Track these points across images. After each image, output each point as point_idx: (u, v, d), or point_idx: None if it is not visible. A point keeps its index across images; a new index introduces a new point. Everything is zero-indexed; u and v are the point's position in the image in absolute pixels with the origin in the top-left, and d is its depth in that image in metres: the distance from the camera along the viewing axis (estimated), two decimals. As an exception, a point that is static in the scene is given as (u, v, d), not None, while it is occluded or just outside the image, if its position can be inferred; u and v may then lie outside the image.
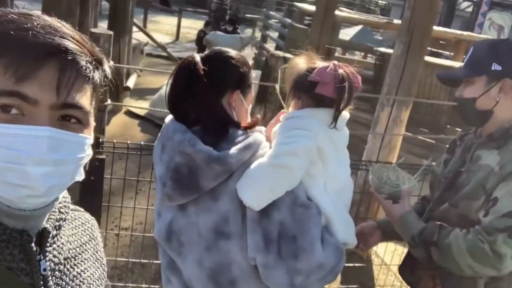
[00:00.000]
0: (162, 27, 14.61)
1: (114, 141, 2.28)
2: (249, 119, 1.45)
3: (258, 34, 12.77)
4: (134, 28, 7.87)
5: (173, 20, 14.52)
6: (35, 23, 0.69)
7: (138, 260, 2.78)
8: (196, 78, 1.33)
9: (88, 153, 0.76)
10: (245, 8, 19.74)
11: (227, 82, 1.38)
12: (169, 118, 1.42)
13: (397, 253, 3.30)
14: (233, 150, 1.27)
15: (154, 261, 2.71)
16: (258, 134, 1.35)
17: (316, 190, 1.37)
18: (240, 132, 1.32)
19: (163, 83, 7.33)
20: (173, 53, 10.05)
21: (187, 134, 1.30)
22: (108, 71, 0.79)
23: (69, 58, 0.70)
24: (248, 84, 1.43)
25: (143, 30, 9.93)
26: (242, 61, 1.42)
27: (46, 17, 0.72)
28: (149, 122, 6.05)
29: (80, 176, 0.77)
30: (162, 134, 1.40)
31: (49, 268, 0.77)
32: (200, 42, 10.83)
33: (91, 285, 0.87)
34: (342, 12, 7.33)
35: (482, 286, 1.55)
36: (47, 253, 0.78)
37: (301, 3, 9.83)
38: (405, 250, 1.89)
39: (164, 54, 10.10)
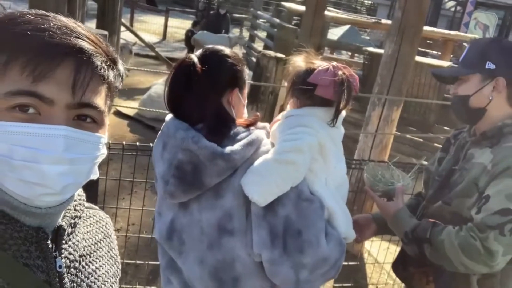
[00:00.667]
0: (149, 27, 14.52)
1: (109, 141, 2.27)
2: (246, 115, 1.48)
3: (246, 34, 12.78)
4: (122, 28, 7.81)
5: (160, 19, 14.44)
6: (52, 24, 0.70)
7: (132, 261, 2.76)
8: (195, 78, 1.34)
9: (103, 151, 0.78)
10: (232, 8, 19.76)
11: (226, 81, 1.39)
12: (169, 116, 1.43)
13: (389, 252, 3.34)
14: (237, 146, 1.29)
15: (149, 262, 2.70)
16: (259, 131, 1.37)
17: (318, 185, 1.39)
18: (241, 129, 1.34)
19: (152, 83, 7.30)
20: (161, 53, 10.00)
21: (190, 131, 1.31)
22: (122, 70, 0.80)
23: (84, 58, 0.71)
24: (244, 81, 1.45)
25: (131, 30, 9.84)
26: (238, 59, 1.44)
27: (62, 18, 0.73)
28: (139, 123, 6.01)
29: (95, 175, 0.78)
30: (162, 132, 1.40)
31: (64, 265, 0.78)
32: (188, 41, 10.82)
33: (106, 282, 0.88)
34: (330, 12, 7.37)
35: (475, 282, 1.58)
36: (63, 250, 0.79)
37: (289, 3, 9.84)
38: (398, 249, 1.91)
39: (152, 53, 10.04)
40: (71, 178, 0.72)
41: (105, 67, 0.74)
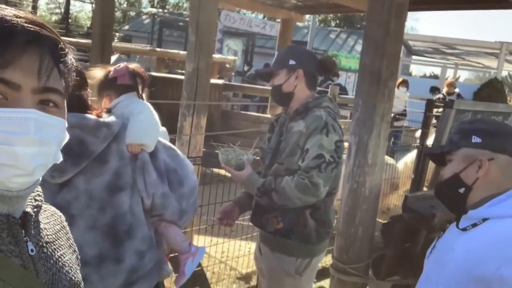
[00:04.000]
0: None
1: None
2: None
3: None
4: None
5: None
6: (10, 13, 0.72)
7: None
8: None
9: (67, 135, 0.81)
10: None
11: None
12: None
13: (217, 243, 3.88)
14: (111, 118, 1.67)
15: None
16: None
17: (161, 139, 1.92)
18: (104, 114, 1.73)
19: None
20: None
21: (73, 114, 1.52)
22: (74, 60, 0.82)
23: (47, 44, 0.74)
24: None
25: None
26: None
27: (13, 8, 0.75)
28: None
29: (60, 158, 0.81)
30: None
31: (35, 249, 0.79)
32: None
33: (71, 269, 0.90)
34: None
35: (308, 215, 2.23)
36: (32, 236, 0.80)
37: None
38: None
39: None
40: (41, 159, 0.74)
41: (64, 53, 0.77)
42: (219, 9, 12.43)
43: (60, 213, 0.99)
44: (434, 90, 11.03)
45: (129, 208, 1.63)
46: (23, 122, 0.70)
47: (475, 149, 1.41)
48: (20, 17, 0.72)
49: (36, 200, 0.86)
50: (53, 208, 0.97)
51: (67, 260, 0.90)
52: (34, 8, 18.37)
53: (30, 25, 0.72)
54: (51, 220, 0.92)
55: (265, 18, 16.98)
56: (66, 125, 0.80)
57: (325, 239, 2.32)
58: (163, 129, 2.00)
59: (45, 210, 0.93)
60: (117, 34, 21.45)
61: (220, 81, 6.83)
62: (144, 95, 1.95)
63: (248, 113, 7.99)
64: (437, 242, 1.55)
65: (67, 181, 1.56)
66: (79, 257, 0.99)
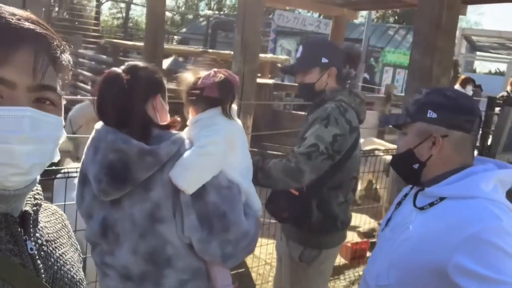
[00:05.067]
0: None
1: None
2: (168, 118, 1.65)
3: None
4: None
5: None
6: (4, 11, 0.71)
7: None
8: (120, 88, 1.51)
9: (64, 133, 0.80)
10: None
11: (148, 88, 1.57)
12: (99, 124, 1.57)
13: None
14: (162, 144, 1.49)
15: None
16: (181, 133, 1.60)
17: (233, 173, 1.67)
18: (163, 132, 1.55)
19: None
20: None
21: (119, 134, 1.48)
22: (69, 58, 0.80)
23: (42, 42, 0.73)
24: (164, 88, 1.64)
25: None
26: (155, 69, 1.63)
27: (6, 6, 0.74)
28: None
29: (57, 156, 0.80)
30: (93, 138, 1.55)
31: (35, 248, 0.79)
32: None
33: (73, 267, 0.89)
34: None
35: (314, 206, 2.21)
36: (31, 234, 0.80)
37: (115, 40, 9.96)
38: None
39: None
40: (38, 158, 0.74)
41: (59, 51, 0.76)
42: (271, 8, 12.40)
43: (62, 212, 0.98)
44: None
45: (169, 240, 1.54)
46: (18, 120, 0.70)
47: (429, 124, 1.36)
48: (15, 15, 0.72)
49: (35, 198, 0.85)
50: (54, 207, 0.97)
51: (69, 258, 0.89)
52: (97, 13, 19.22)
53: (24, 23, 0.71)
54: (51, 219, 0.92)
55: (321, 17, 16.74)
56: (63, 123, 0.79)
57: (333, 232, 2.30)
58: (239, 125, 1.79)
59: (46, 209, 0.92)
60: (175, 37, 22.07)
61: (271, 81, 6.79)
62: (234, 107, 1.73)
63: (299, 112, 7.89)
64: (392, 214, 1.51)
65: (117, 200, 1.51)
66: (81, 255, 0.99)
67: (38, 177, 0.81)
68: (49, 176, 2.44)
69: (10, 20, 0.70)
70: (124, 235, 1.53)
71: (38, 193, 0.87)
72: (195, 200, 1.52)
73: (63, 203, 2.41)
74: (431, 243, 1.24)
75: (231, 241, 1.57)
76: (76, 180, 1.66)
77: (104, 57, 9.16)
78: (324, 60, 2.20)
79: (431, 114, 1.36)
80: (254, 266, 3.86)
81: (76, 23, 15.78)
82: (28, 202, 0.82)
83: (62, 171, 2.39)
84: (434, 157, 1.36)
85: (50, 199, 2.82)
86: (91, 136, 1.57)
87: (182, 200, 1.52)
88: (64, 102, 0.80)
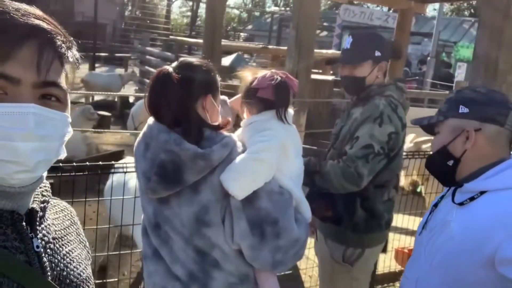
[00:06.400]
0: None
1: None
2: (220, 118, 1.60)
3: (136, 70, 12.80)
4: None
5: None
6: (10, 6, 0.71)
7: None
8: (171, 86, 1.48)
9: (70, 130, 0.78)
10: (111, 46, 19.45)
11: (199, 88, 1.51)
12: (151, 120, 1.55)
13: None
14: (214, 148, 1.44)
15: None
16: (232, 135, 1.54)
17: (285, 179, 1.62)
18: (215, 133, 1.50)
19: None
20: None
21: (171, 134, 1.45)
22: (77, 54, 0.80)
23: (46, 38, 0.72)
24: (216, 87, 1.58)
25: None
26: (209, 68, 1.56)
27: (14, 2, 0.74)
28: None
29: (63, 153, 0.79)
30: (145, 133, 1.54)
31: (41, 245, 0.78)
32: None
33: (80, 264, 0.89)
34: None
35: (359, 204, 2.15)
36: (38, 232, 0.79)
37: (179, 37, 10.22)
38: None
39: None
40: (43, 155, 0.73)
41: (65, 47, 0.75)
42: (337, 2, 12.11)
43: (72, 209, 0.97)
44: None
45: (215, 244, 1.51)
46: (22, 117, 0.69)
47: (462, 120, 1.35)
48: (20, 10, 0.71)
49: (43, 195, 0.84)
50: (64, 204, 0.96)
51: (76, 255, 0.89)
52: (168, 12, 19.81)
53: (29, 18, 0.71)
54: (60, 215, 0.91)
55: (390, 11, 16.11)
56: (69, 119, 0.78)
57: (375, 231, 2.23)
58: (295, 131, 1.72)
59: (54, 206, 0.92)
60: (241, 34, 22.28)
61: (330, 78, 6.62)
62: (290, 112, 1.65)
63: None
64: (429, 217, 1.46)
65: (164, 198, 1.49)
66: (89, 252, 0.98)
67: (45, 174, 0.80)
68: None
69: (15, 15, 0.70)
70: (174, 233, 1.52)
71: (46, 190, 0.86)
72: (245, 206, 1.48)
73: (122, 197, 2.49)
74: (477, 237, 1.21)
75: (282, 247, 1.52)
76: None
77: (169, 54, 9.43)
78: (378, 53, 2.13)
79: (463, 109, 1.34)
80: (306, 268, 3.76)
81: (148, 21, 16.38)
82: (35, 199, 0.81)
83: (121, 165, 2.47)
84: (469, 152, 1.33)
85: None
86: (142, 131, 1.56)
87: (232, 205, 1.48)
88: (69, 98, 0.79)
